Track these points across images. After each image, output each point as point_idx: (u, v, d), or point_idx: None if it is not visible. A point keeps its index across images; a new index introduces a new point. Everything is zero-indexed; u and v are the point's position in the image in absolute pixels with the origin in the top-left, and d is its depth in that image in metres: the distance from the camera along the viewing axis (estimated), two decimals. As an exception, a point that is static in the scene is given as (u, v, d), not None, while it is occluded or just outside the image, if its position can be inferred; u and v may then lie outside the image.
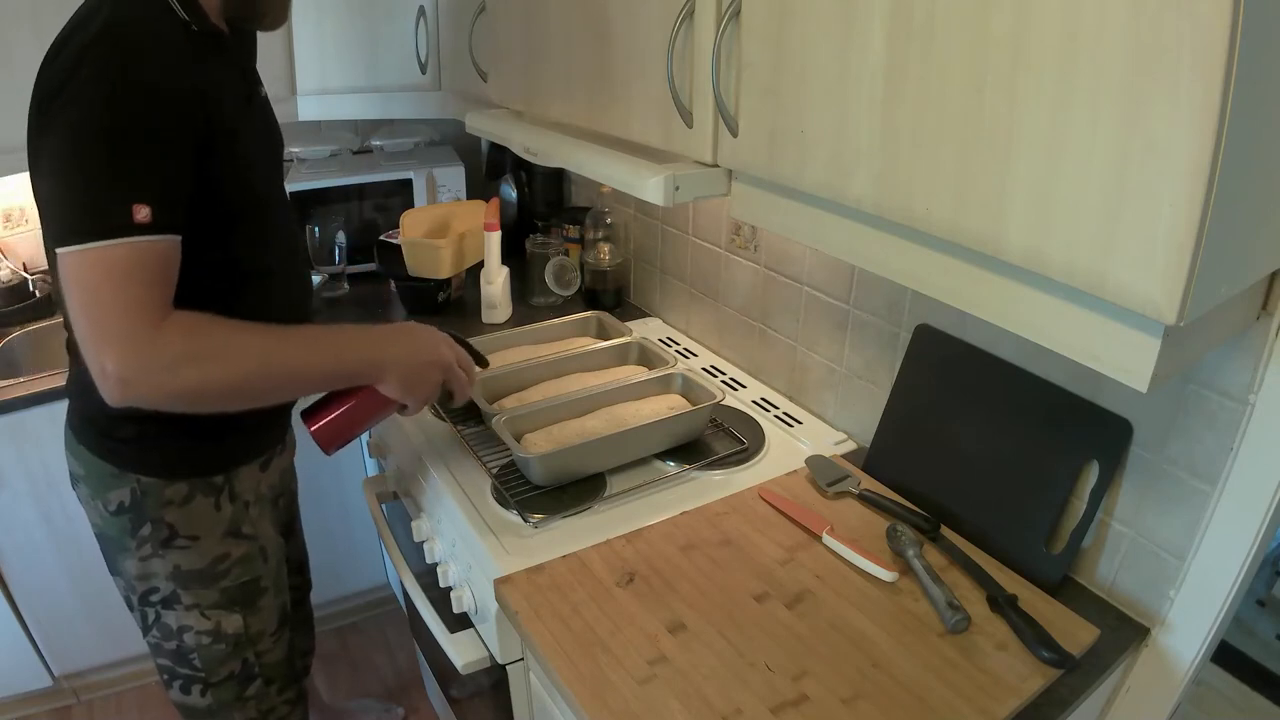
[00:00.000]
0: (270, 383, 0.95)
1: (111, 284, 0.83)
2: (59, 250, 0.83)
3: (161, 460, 1.05)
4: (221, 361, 0.89)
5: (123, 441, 1.04)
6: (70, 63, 0.84)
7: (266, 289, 1.07)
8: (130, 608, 1.15)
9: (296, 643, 1.34)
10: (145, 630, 1.15)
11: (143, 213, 0.83)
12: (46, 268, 1.96)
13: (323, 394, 1.09)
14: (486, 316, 1.79)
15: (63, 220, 0.84)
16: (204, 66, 0.92)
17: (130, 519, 1.06)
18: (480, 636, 1.17)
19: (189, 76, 0.88)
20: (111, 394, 0.84)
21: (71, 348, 1.07)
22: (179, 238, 0.88)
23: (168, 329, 0.86)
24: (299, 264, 1.19)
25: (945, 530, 1.11)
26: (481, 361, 1.18)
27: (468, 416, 1.36)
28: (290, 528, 1.42)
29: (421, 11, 1.75)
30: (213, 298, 0.92)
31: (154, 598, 1.11)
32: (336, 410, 1.07)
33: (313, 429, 1.07)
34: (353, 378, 1.04)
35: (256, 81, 1.11)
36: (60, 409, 1.57)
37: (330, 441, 1.08)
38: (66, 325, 1.05)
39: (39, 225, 1.96)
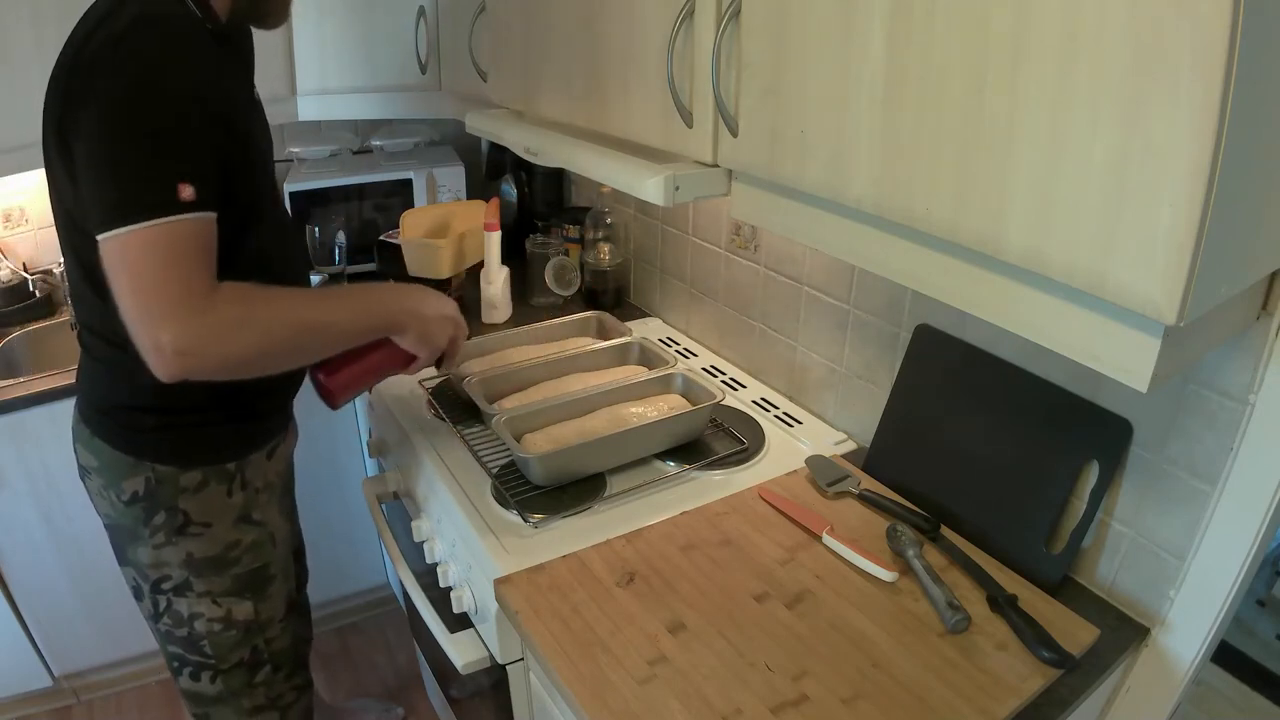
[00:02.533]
0: (310, 340, 1.01)
1: (162, 261, 0.85)
2: (105, 235, 0.84)
3: (179, 448, 1.08)
4: (269, 325, 0.93)
5: (141, 431, 1.06)
6: (103, 53, 0.85)
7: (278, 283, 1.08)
8: (139, 598, 1.17)
9: (298, 631, 1.35)
10: (155, 618, 1.17)
11: (187, 191, 0.85)
12: (46, 268, 1.98)
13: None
14: (486, 316, 1.79)
15: (106, 206, 0.85)
16: (223, 64, 0.94)
17: (144, 508, 1.08)
18: (480, 636, 1.18)
19: (215, 71, 0.91)
20: (168, 368, 0.86)
21: (84, 340, 1.09)
22: (215, 215, 0.90)
23: (218, 299, 0.89)
24: (304, 264, 1.20)
25: (945, 530, 1.11)
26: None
27: (468, 416, 1.36)
28: (290, 516, 1.43)
29: (421, 11, 1.75)
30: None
31: (165, 585, 1.13)
32: (353, 362, 1.10)
33: (327, 379, 1.10)
34: (379, 330, 1.08)
35: (253, 82, 1.13)
36: (60, 409, 1.59)
37: (342, 391, 1.11)
38: (79, 319, 1.08)
39: (40, 224, 1.96)
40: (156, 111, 0.85)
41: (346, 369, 1.10)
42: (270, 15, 1.07)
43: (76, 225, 0.97)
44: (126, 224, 0.83)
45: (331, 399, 1.11)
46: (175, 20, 0.89)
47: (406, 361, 1.14)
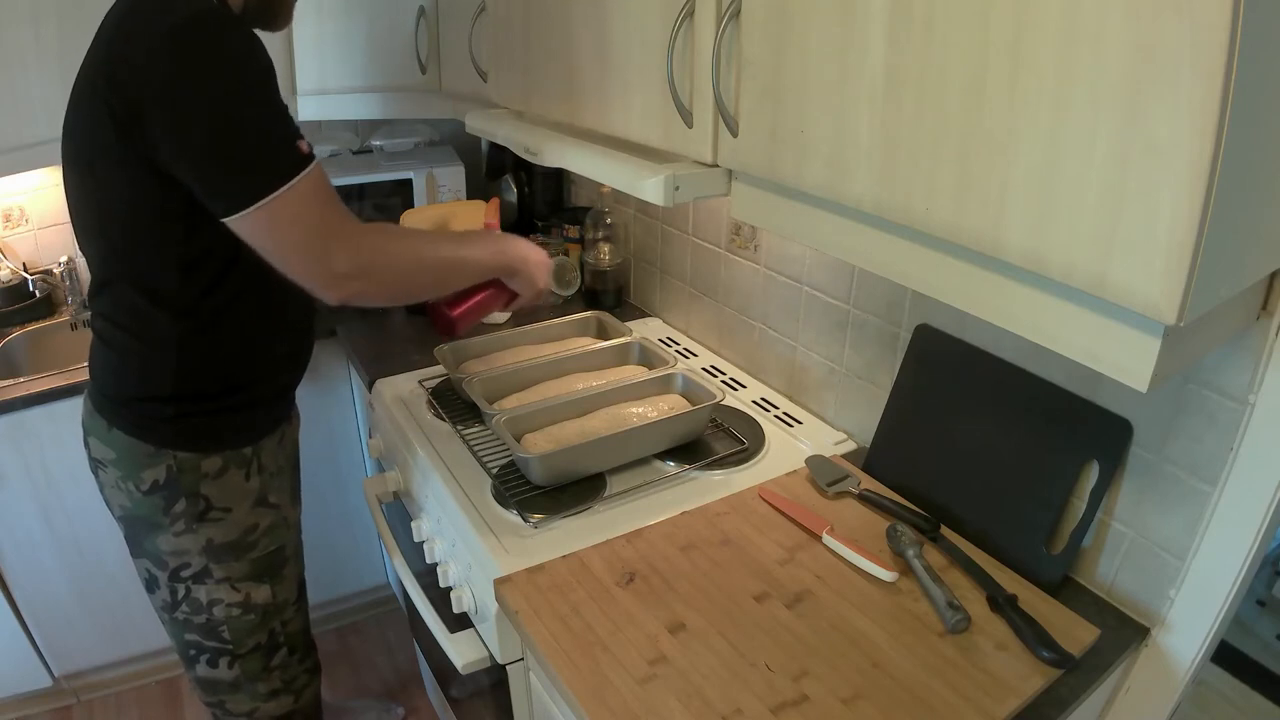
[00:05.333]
0: (449, 272, 1.14)
1: (317, 204, 0.96)
2: (256, 206, 0.92)
3: (199, 435, 1.11)
4: (415, 252, 1.07)
5: (162, 421, 1.09)
6: (170, 47, 0.88)
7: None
8: (152, 589, 1.19)
9: (306, 615, 1.39)
10: (172, 608, 1.19)
11: (304, 145, 0.95)
12: (46, 268, 1.97)
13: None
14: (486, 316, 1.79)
15: (241, 180, 0.92)
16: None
17: (164, 496, 1.11)
18: (480, 636, 1.18)
19: (265, 54, 0.96)
20: (342, 290, 0.99)
21: (100, 331, 1.10)
22: None
23: (370, 229, 1.02)
24: None
25: (945, 530, 1.11)
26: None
27: (468, 416, 1.36)
28: (298, 500, 1.45)
29: (421, 11, 1.75)
30: (261, 274, 0.99)
31: (185, 573, 1.16)
32: (469, 297, 1.24)
33: (451, 310, 1.23)
34: (498, 271, 1.21)
35: None
36: (61, 409, 1.60)
37: (463, 322, 1.24)
38: (96, 310, 1.09)
39: (40, 224, 1.96)
40: (255, 87, 0.92)
41: (465, 303, 1.24)
42: (277, 17, 1.11)
43: (112, 215, 1.00)
44: (275, 189, 0.92)
45: (454, 328, 1.24)
46: (224, 14, 0.94)
47: (509, 300, 1.26)
